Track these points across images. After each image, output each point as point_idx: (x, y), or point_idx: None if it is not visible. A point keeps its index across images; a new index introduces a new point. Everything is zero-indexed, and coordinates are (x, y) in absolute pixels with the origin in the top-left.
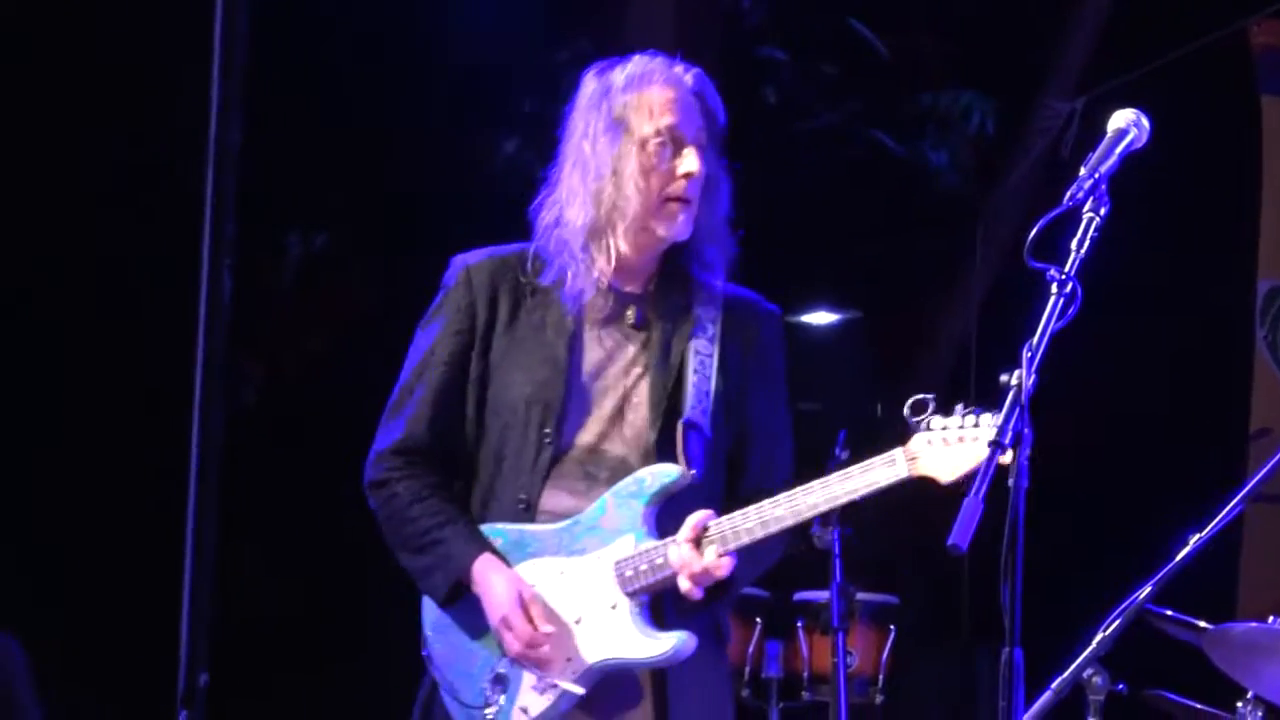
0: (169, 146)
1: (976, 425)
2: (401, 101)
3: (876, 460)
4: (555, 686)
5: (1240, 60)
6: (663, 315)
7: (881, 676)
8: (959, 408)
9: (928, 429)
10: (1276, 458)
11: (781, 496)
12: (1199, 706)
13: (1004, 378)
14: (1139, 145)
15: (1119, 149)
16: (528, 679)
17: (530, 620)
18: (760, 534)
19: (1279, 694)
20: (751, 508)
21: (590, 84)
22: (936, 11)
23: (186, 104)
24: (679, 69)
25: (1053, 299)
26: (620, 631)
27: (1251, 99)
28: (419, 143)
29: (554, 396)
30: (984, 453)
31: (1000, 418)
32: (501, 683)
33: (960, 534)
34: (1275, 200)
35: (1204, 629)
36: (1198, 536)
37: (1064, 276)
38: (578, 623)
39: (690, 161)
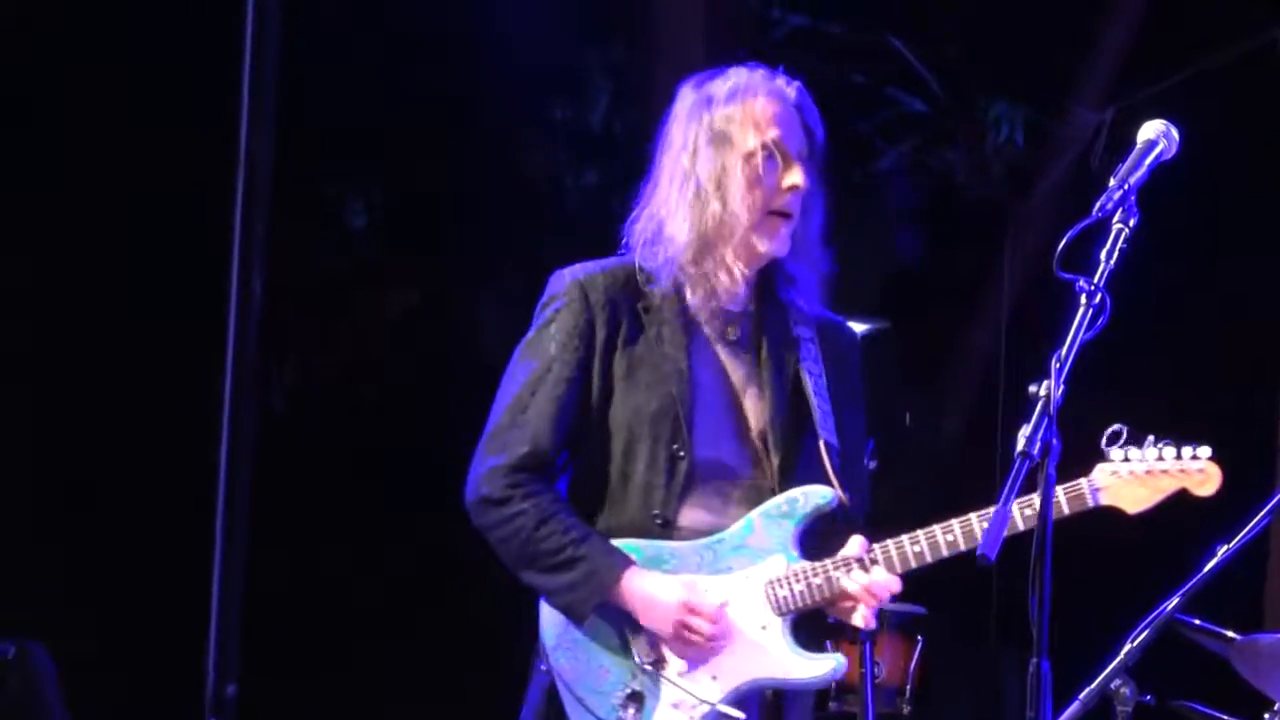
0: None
1: (1161, 459)
2: (435, 104)
3: (1060, 489)
4: (699, 704)
5: (1270, 70)
6: (768, 334)
7: (909, 687)
8: (1149, 439)
9: (1115, 460)
10: None
11: (954, 521)
12: (1226, 718)
13: (1033, 388)
14: (1168, 156)
15: (1148, 160)
16: (666, 696)
17: (704, 616)
18: (929, 558)
19: None
20: (920, 532)
21: (688, 96)
22: (967, 21)
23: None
24: (780, 81)
25: (1081, 309)
26: (774, 652)
27: None
28: (455, 146)
29: (683, 411)
30: (1174, 485)
31: (1034, 427)
32: (637, 700)
33: (989, 544)
34: None
35: (1231, 639)
36: (1226, 548)
37: (1093, 287)
38: (724, 641)
39: (796, 175)
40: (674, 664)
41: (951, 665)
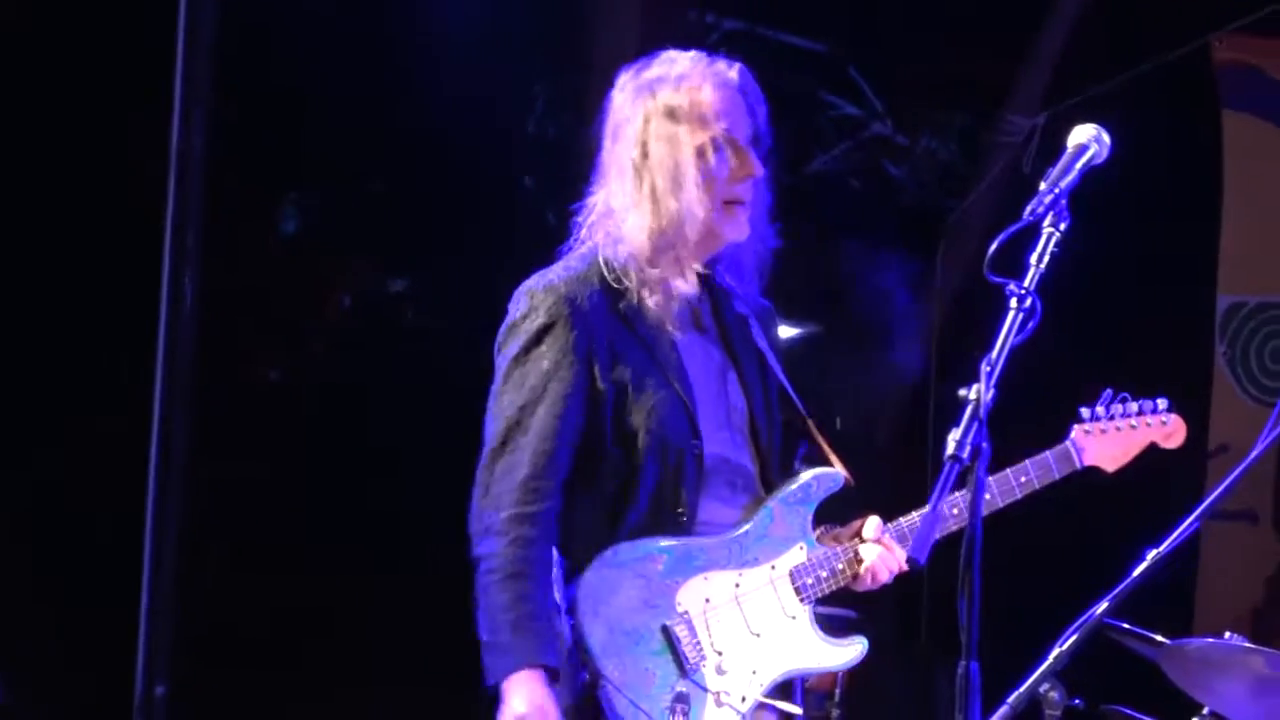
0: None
1: (1126, 414)
2: (370, 106)
3: (1049, 453)
4: (743, 700)
5: (1202, 76)
6: (725, 320)
7: (839, 691)
8: (1106, 394)
9: (1086, 420)
10: (1234, 475)
11: (958, 495)
12: None
13: (963, 392)
14: (1099, 161)
15: (1079, 164)
16: (711, 693)
17: None
18: (937, 534)
19: (1234, 709)
20: (927, 509)
21: (627, 88)
22: (900, 27)
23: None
24: (721, 65)
25: (1012, 313)
26: (804, 642)
27: (1213, 115)
28: (390, 149)
29: (690, 407)
30: (1143, 441)
31: (964, 430)
32: (684, 700)
33: (918, 548)
34: (1236, 217)
35: (1161, 643)
36: (1155, 552)
37: (1023, 291)
38: (758, 636)
39: (748, 165)
40: (713, 661)
41: (882, 669)
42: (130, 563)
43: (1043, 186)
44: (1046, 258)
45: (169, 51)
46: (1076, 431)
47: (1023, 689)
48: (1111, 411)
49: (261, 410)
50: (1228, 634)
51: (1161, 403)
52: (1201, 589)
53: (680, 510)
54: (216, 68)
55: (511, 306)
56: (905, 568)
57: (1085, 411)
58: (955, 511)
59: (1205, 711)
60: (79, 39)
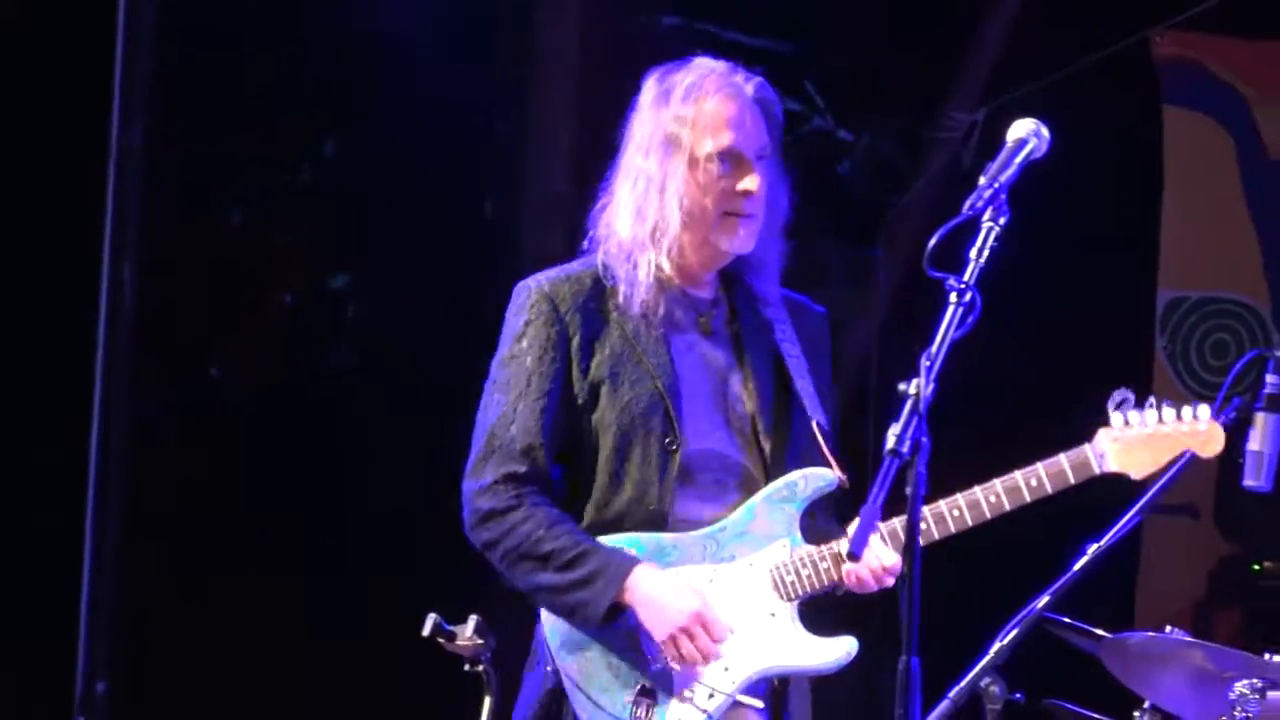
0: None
1: (1162, 421)
2: (313, 100)
3: (1064, 457)
4: (714, 695)
5: (1143, 71)
6: (742, 320)
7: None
8: (1149, 401)
9: (1115, 425)
10: (1175, 470)
11: (960, 496)
12: (1096, 716)
13: (903, 386)
14: (1039, 155)
15: (1019, 158)
16: (679, 689)
17: (708, 631)
18: (936, 534)
19: (1174, 703)
20: (926, 509)
21: (651, 89)
22: (839, 22)
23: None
24: (739, 78)
25: (951, 308)
26: (783, 639)
27: (1153, 110)
28: (334, 143)
29: (670, 404)
30: (1177, 447)
31: (904, 425)
32: (649, 695)
33: (857, 542)
34: (1176, 212)
35: (1102, 638)
36: (1096, 547)
37: (963, 285)
38: (731, 632)
39: (750, 181)
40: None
41: None
42: (70, 558)
43: (982, 181)
44: (986, 252)
45: (109, 46)
46: (1101, 436)
47: (964, 683)
48: (1145, 417)
49: (202, 407)
50: (1169, 628)
51: (1204, 411)
52: (1143, 583)
53: (653, 508)
54: (157, 62)
55: (508, 306)
56: (892, 567)
57: (1115, 416)
58: (956, 514)
59: (1146, 705)
60: (18, 34)
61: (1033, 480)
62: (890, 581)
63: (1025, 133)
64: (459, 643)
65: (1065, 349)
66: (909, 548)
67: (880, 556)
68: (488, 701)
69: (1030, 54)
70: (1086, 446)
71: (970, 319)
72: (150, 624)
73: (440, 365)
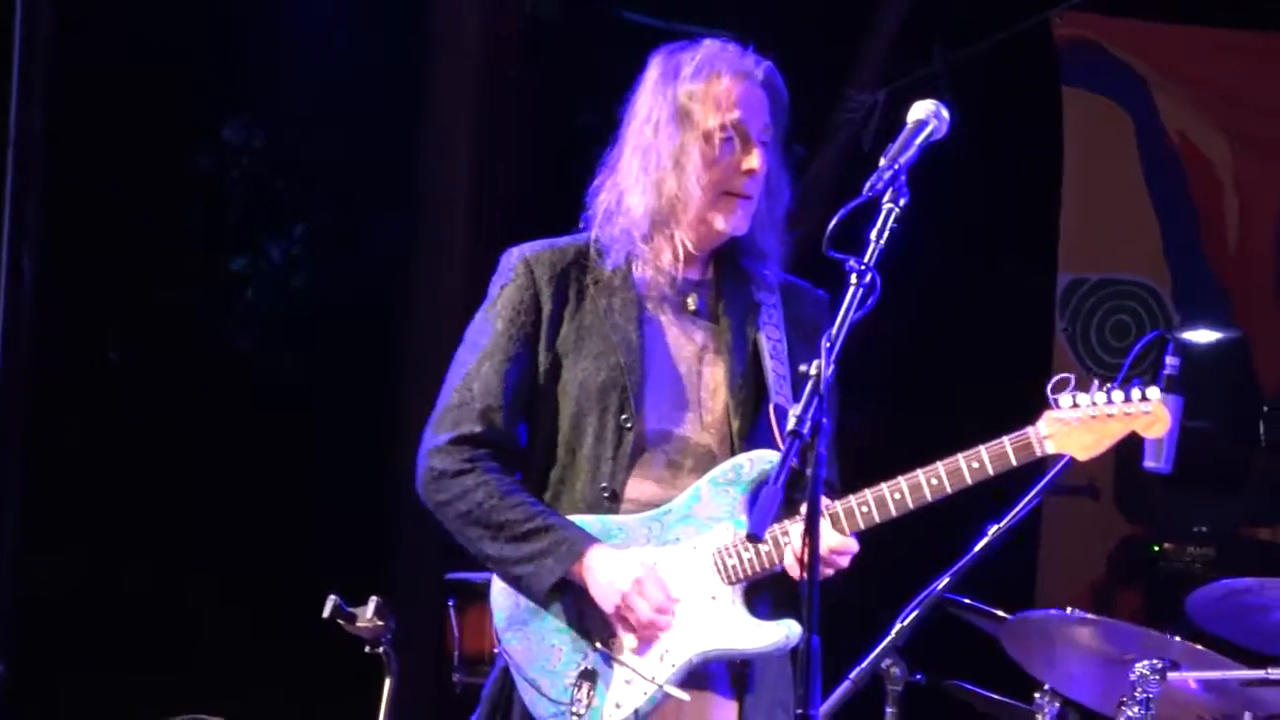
0: None
1: (1110, 402)
2: (232, 81)
3: (1006, 440)
4: (650, 681)
5: (1043, 52)
6: (727, 302)
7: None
8: (1095, 383)
9: (1063, 407)
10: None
11: (901, 479)
12: (997, 697)
13: (803, 368)
14: (939, 136)
15: (919, 140)
16: (619, 673)
17: (647, 599)
18: (877, 517)
19: (1075, 683)
20: (867, 491)
21: (656, 67)
22: (735, 3)
23: None
24: (749, 60)
25: (851, 289)
26: (724, 622)
27: (1053, 91)
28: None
29: (631, 381)
30: (1122, 429)
31: (804, 406)
32: (590, 678)
33: (758, 523)
34: (1076, 193)
35: (1003, 618)
36: (996, 528)
37: (863, 267)
38: (674, 616)
39: (753, 159)
40: (626, 641)
41: None
42: None
43: (882, 162)
44: (886, 234)
45: (6, 32)
46: (1045, 418)
47: (865, 664)
48: (1094, 398)
49: (101, 390)
50: (1069, 609)
51: (1152, 393)
52: (1043, 564)
53: (604, 486)
54: (56, 48)
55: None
56: (838, 547)
57: (1062, 398)
58: (897, 497)
59: (1047, 687)
60: None
61: (974, 462)
62: (843, 563)
63: (925, 114)
64: (359, 624)
65: (966, 331)
66: (810, 528)
67: (825, 539)
68: (388, 683)
69: (930, 35)
70: (1029, 429)
71: (870, 301)
72: (49, 607)
73: (340, 348)
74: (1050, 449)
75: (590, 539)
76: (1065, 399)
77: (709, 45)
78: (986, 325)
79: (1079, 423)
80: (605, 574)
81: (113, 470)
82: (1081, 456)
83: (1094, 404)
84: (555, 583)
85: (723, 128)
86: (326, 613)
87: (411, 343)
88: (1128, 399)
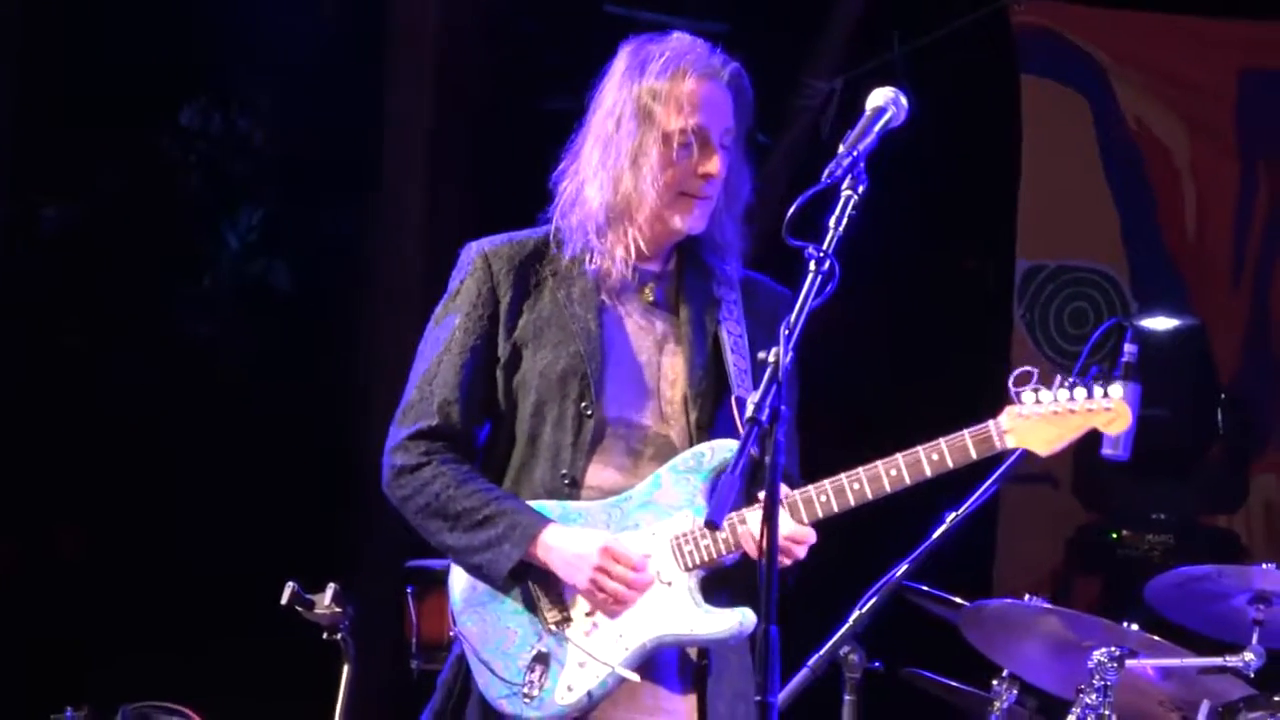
0: None
1: (1072, 399)
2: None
3: (967, 433)
4: (604, 664)
5: (1001, 40)
6: (687, 294)
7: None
8: (1057, 379)
9: (1023, 402)
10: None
11: (861, 470)
12: (955, 684)
13: (762, 355)
14: (897, 123)
15: (877, 127)
16: (574, 656)
17: (624, 563)
18: (836, 507)
19: (1034, 672)
20: (826, 481)
21: (624, 59)
22: None
23: None
24: (716, 60)
25: (810, 276)
26: (678, 608)
27: (1012, 79)
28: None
29: (591, 369)
30: (1084, 425)
31: (762, 393)
32: (543, 661)
33: (716, 511)
34: (1034, 181)
35: (961, 606)
36: (954, 515)
37: (822, 254)
38: (633, 599)
39: (711, 164)
40: (580, 624)
41: None
42: None
43: (841, 149)
44: (845, 221)
45: None
46: (1006, 412)
47: (823, 651)
48: (1056, 394)
49: (55, 378)
50: (1027, 596)
51: (1115, 390)
52: (1001, 552)
53: (565, 473)
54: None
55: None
56: (793, 535)
57: (1024, 393)
58: (856, 487)
59: (1004, 674)
60: None
61: (934, 455)
62: (800, 552)
63: (884, 101)
64: (317, 611)
65: (924, 318)
66: (768, 515)
67: (782, 527)
68: (346, 670)
69: (889, 23)
70: (990, 423)
71: (829, 288)
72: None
73: (298, 334)
74: (1010, 444)
75: (544, 520)
76: (1028, 395)
77: (678, 41)
78: (944, 312)
79: (1040, 418)
80: (570, 548)
81: (67, 458)
82: (1042, 452)
83: (1056, 400)
84: (513, 567)
85: (683, 131)
86: (285, 599)
87: (369, 328)
88: (1090, 395)
